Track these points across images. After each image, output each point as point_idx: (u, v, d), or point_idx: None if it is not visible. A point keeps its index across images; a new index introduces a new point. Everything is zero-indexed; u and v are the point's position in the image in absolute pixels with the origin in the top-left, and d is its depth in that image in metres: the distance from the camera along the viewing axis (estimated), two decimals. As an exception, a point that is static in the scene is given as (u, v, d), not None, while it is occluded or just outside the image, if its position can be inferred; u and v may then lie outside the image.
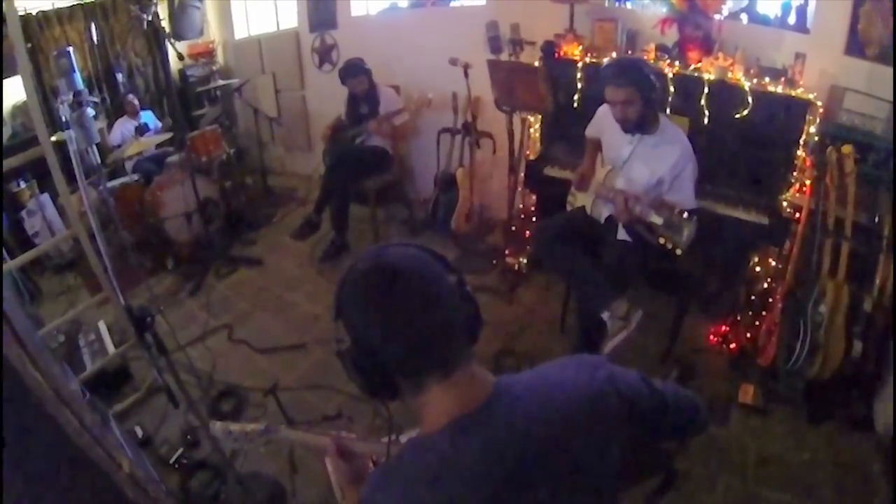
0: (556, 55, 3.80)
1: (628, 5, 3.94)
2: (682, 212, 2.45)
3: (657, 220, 2.53)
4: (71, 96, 2.40)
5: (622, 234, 2.94)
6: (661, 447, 1.44)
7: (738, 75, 3.26)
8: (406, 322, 0.97)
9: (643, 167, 2.85)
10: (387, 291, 0.98)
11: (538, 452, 1.00)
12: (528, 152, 4.01)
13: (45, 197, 4.79)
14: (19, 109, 5.04)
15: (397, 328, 0.97)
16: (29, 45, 4.89)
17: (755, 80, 3.23)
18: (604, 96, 2.86)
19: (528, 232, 4.25)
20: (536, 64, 3.76)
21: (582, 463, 1.05)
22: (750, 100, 3.22)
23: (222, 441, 1.75)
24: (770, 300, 3.22)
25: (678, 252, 2.51)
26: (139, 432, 3.00)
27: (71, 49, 2.49)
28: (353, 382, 1.09)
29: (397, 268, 1.00)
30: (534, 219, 4.29)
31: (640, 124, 2.80)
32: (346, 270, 1.05)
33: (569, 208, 3.33)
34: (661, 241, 2.53)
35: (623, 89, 2.72)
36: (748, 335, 3.30)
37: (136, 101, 5.37)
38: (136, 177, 5.02)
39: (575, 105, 3.78)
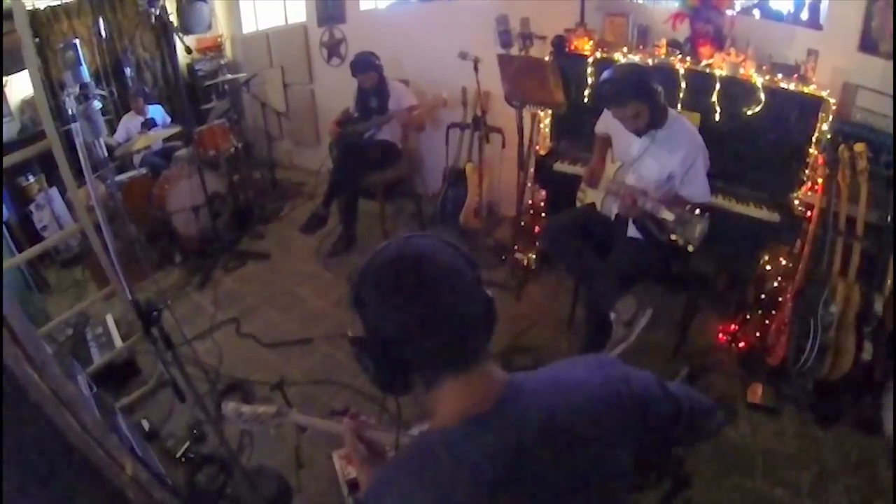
0: (567, 50, 3.78)
1: (640, 0, 3.91)
2: (693, 208, 2.43)
3: (668, 216, 2.50)
4: (77, 89, 2.39)
5: (632, 232, 2.93)
6: (672, 452, 1.42)
7: (750, 71, 3.24)
8: (432, 317, 0.96)
9: (653, 162, 2.83)
10: (411, 282, 0.97)
11: (551, 451, 1.00)
12: (537, 147, 3.98)
13: (54, 191, 4.82)
14: (28, 104, 5.06)
15: (423, 323, 0.96)
16: (37, 39, 4.90)
17: (767, 77, 3.20)
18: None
19: (537, 228, 4.24)
20: (547, 59, 3.73)
21: (595, 463, 1.04)
22: (762, 96, 3.20)
23: (233, 422, 1.74)
24: (780, 299, 3.19)
25: (690, 249, 2.48)
26: (146, 426, 3.00)
27: (77, 41, 2.48)
28: (365, 374, 1.08)
29: (423, 259, 0.99)
30: (543, 214, 4.28)
31: (651, 125, 2.78)
32: (369, 258, 1.03)
33: (578, 204, 3.31)
34: (673, 237, 2.51)
35: (628, 107, 2.70)
36: (758, 334, 3.28)
37: (142, 103, 5.36)
38: (143, 171, 5.02)
39: (585, 100, 3.76)
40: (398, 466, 1.06)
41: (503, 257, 4.40)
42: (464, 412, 0.99)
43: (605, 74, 2.74)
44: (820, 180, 3.03)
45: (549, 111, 3.92)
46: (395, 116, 4.54)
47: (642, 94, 2.65)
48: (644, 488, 1.44)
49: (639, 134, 2.82)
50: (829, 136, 3.07)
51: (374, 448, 1.38)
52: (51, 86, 4.99)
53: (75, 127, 2.46)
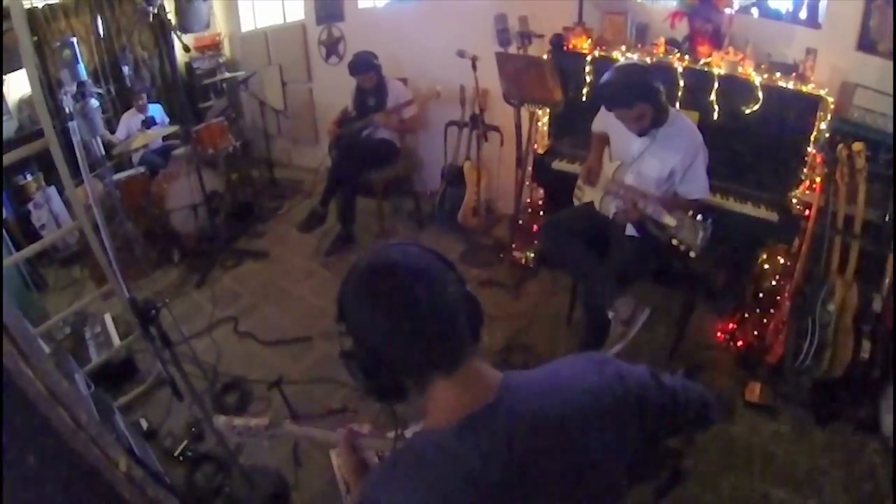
0: (565, 48, 3.78)
1: (638, -2, 3.91)
2: (695, 214, 2.43)
3: (670, 221, 2.50)
4: (74, 87, 2.39)
5: (630, 230, 2.93)
6: (668, 446, 1.42)
7: (748, 70, 3.23)
8: (411, 318, 0.96)
9: (656, 161, 2.82)
10: (390, 288, 0.97)
11: (546, 449, 1.00)
12: (535, 146, 3.98)
13: (52, 189, 4.81)
14: (26, 102, 5.05)
15: (402, 324, 0.97)
16: (35, 38, 4.89)
17: (766, 76, 3.20)
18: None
19: (535, 226, 4.24)
20: (545, 57, 3.73)
21: (591, 460, 1.04)
22: (760, 95, 3.19)
23: (226, 435, 1.74)
24: (778, 298, 3.19)
25: (692, 255, 2.47)
26: (144, 425, 3.01)
27: (74, 39, 2.48)
28: (357, 385, 1.09)
29: (400, 264, 1.00)
30: (541, 213, 4.28)
31: (653, 124, 2.77)
32: (348, 271, 1.05)
33: (576, 203, 3.31)
34: (675, 242, 2.50)
35: (633, 109, 2.68)
36: (756, 333, 3.28)
37: (144, 100, 5.37)
38: (142, 169, 5.02)
39: (584, 98, 3.76)
40: (392, 468, 1.06)
41: (501, 256, 4.40)
42: (456, 413, 0.99)
43: (607, 76, 2.70)
44: (818, 179, 3.03)
45: (548, 109, 3.92)
46: (381, 120, 4.55)
47: (646, 96, 2.64)
48: (642, 482, 1.44)
49: (642, 134, 2.81)
50: (827, 135, 3.07)
51: (369, 458, 1.39)
52: (49, 84, 4.99)
53: (73, 125, 2.46)
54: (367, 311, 1.00)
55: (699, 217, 2.43)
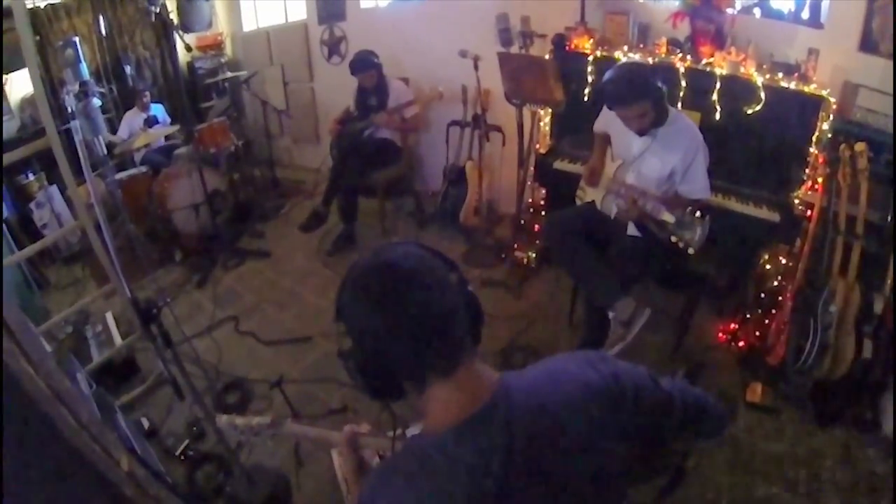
0: (567, 48, 3.78)
1: (640, -2, 3.91)
2: (694, 210, 2.43)
3: (669, 218, 2.50)
4: (77, 86, 2.39)
5: (632, 230, 2.93)
6: (672, 447, 1.42)
7: (750, 70, 3.23)
8: (407, 320, 0.96)
9: (656, 160, 2.82)
10: (387, 290, 0.98)
11: (544, 450, 1.00)
12: (537, 146, 3.98)
13: (54, 189, 4.81)
14: (28, 102, 5.06)
15: (399, 327, 0.97)
16: (37, 37, 4.89)
17: (768, 76, 3.20)
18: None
19: (537, 226, 4.24)
20: (547, 57, 3.73)
21: (588, 458, 1.05)
22: (762, 95, 3.20)
23: (227, 434, 1.74)
24: (780, 298, 3.18)
25: (690, 251, 2.48)
26: (145, 424, 3.01)
27: (77, 39, 2.48)
28: (355, 385, 1.09)
29: (397, 266, 1.00)
30: (543, 213, 4.28)
31: (654, 123, 2.77)
32: (347, 271, 1.05)
33: (578, 203, 3.31)
34: (674, 239, 2.50)
35: (635, 106, 2.67)
36: (757, 333, 3.28)
37: (147, 98, 5.38)
38: (144, 168, 5.03)
39: (585, 98, 3.76)
40: (392, 470, 1.06)
41: (503, 255, 4.40)
42: (455, 414, 0.99)
43: (609, 74, 2.71)
44: (820, 179, 3.03)
45: (549, 109, 3.92)
46: (383, 120, 4.55)
47: (649, 94, 2.64)
48: (643, 483, 1.44)
49: (642, 133, 2.81)
50: (829, 136, 3.08)
51: (370, 458, 1.39)
52: (51, 84, 4.98)
53: (75, 125, 2.46)
54: (364, 312, 0.99)
55: (697, 214, 2.43)
